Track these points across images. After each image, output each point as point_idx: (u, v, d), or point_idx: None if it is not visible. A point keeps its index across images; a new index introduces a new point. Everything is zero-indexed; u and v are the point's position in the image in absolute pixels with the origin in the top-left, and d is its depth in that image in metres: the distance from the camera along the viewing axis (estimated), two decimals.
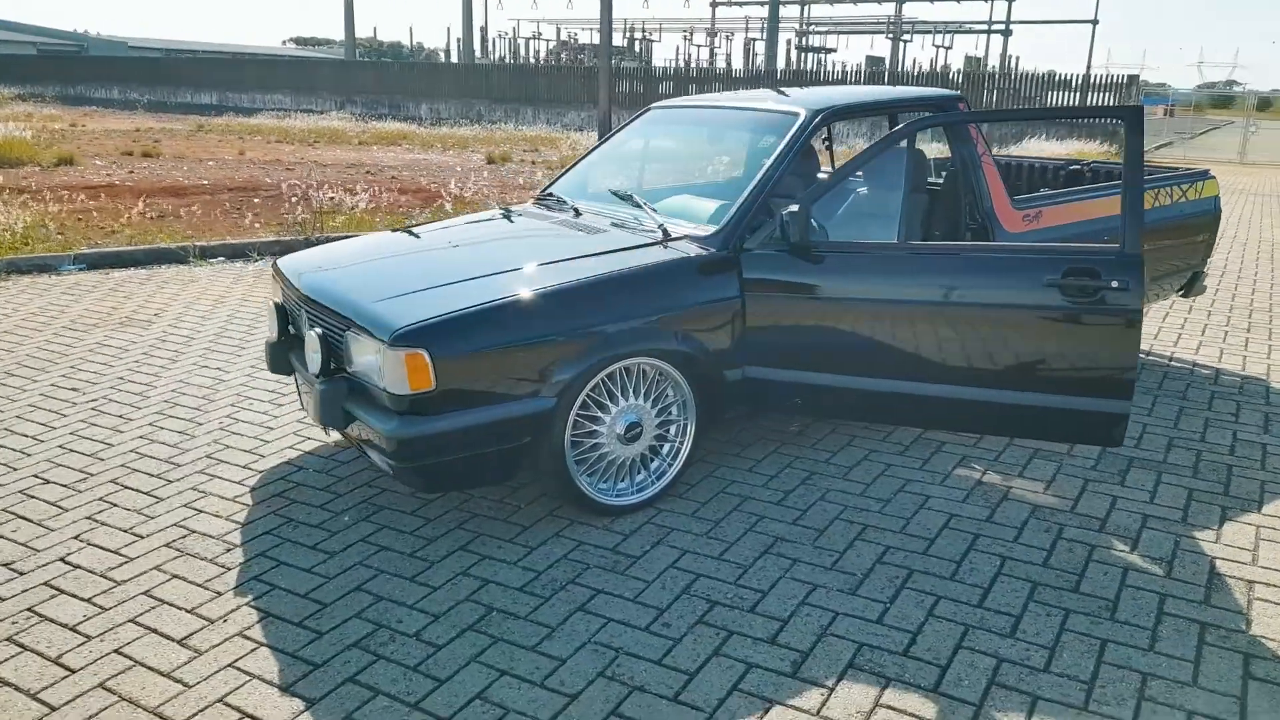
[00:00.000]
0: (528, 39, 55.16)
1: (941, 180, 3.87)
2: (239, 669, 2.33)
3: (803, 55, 44.17)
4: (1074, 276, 2.81)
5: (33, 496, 3.23)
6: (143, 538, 2.97)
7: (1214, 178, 4.76)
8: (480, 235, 3.64)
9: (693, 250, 3.14)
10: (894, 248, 3.07)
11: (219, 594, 2.66)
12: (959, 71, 24.61)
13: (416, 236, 3.72)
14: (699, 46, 52.60)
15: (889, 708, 2.19)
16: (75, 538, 2.96)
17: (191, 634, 2.47)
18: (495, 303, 2.77)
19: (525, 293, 2.82)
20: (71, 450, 3.61)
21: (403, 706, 2.20)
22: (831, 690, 2.25)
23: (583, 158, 4.30)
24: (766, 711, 2.18)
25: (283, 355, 3.31)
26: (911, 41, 44.88)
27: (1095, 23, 40.08)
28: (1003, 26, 40.51)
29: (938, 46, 53.14)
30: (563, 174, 4.28)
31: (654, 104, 4.33)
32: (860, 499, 3.24)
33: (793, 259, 3.10)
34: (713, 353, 3.10)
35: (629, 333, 2.92)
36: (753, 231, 3.19)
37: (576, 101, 27.68)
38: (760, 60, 42.54)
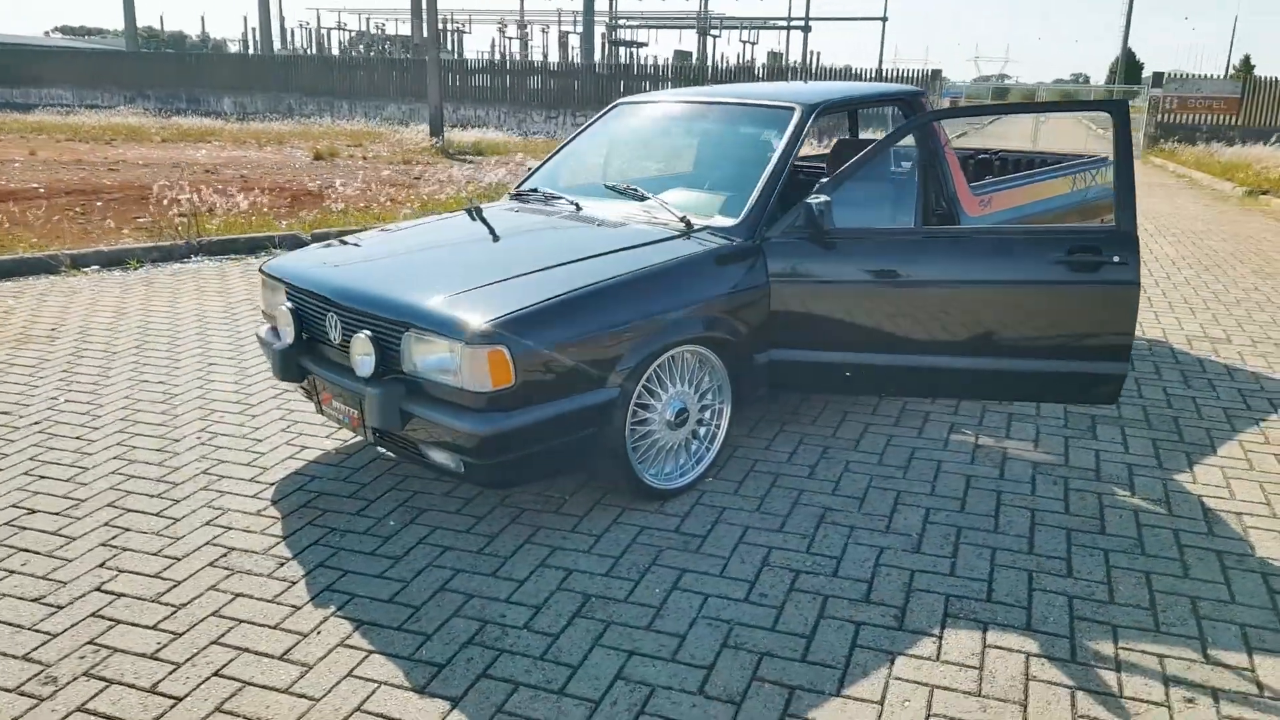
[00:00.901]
0: (329, 29, 52.96)
1: (904, 169, 4.17)
2: (360, 677, 2.30)
3: (614, 49, 44.74)
4: (1078, 253, 3.14)
5: (27, 528, 3.00)
6: (179, 559, 2.82)
7: None
8: (499, 230, 3.63)
9: (721, 241, 3.28)
10: (912, 233, 3.32)
11: (296, 608, 2.58)
12: (764, 66, 25.58)
13: (419, 233, 3.67)
14: (511, 39, 52.24)
15: (998, 647, 2.42)
16: (102, 565, 2.78)
17: (289, 649, 2.40)
18: (565, 296, 2.81)
19: (592, 285, 2.88)
20: (43, 477, 3.35)
21: (549, 694, 2.24)
22: (940, 638, 2.46)
23: (554, 154, 4.34)
24: (892, 661, 2.36)
25: (294, 362, 3.20)
26: (720, 37, 46.27)
27: (885, 20, 42.61)
28: (802, 23, 42.36)
29: (744, 42, 55.26)
30: (536, 170, 4.31)
31: (620, 101, 4.42)
32: (880, 468, 3.48)
33: (813, 246, 3.29)
34: (745, 338, 3.25)
35: (681, 321, 3.03)
36: (771, 221, 3.35)
37: (395, 95, 26.84)
38: (575, 54, 42.87)
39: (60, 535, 2.96)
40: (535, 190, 4.06)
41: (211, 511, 3.13)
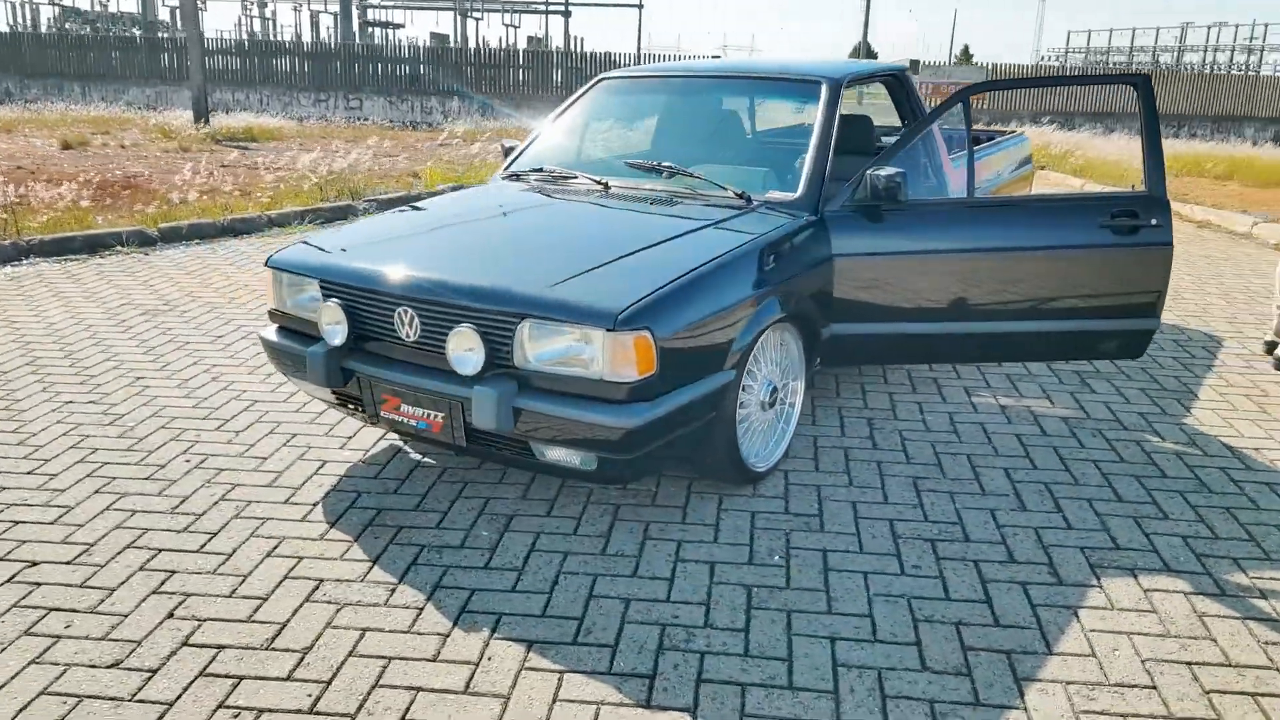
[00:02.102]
0: (39, 3, 47.31)
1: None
2: (573, 700, 2.10)
3: (369, 29, 43.17)
4: (1119, 218, 3.36)
5: (63, 609, 2.52)
6: (264, 599, 2.47)
7: (1028, 139, 5.75)
8: (542, 211, 3.41)
9: (788, 215, 3.24)
10: (968, 202, 3.42)
11: (444, 635, 2.33)
12: (526, 51, 25.49)
13: (451, 216, 3.41)
14: (253, 17, 49.03)
15: (1157, 590, 2.56)
16: (171, 615, 2.39)
17: (470, 681, 2.16)
18: (689, 277, 2.68)
19: (708, 264, 2.76)
20: (23, 541, 2.83)
21: (781, 689, 2.14)
22: (1101, 587, 2.57)
23: (540, 133, 4.13)
24: (1076, 614, 2.44)
25: (339, 365, 2.88)
26: (481, 19, 45.70)
27: (641, 6, 43.61)
28: (562, 7, 42.50)
29: (507, 25, 55.15)
30: (524, 149, 4.08)
31: (604, 76, 4.27)
32: (934, 434, 3.58)
33: (867, 219, 3.32)
34: (817, 313, 3.25)
35: (779, 298, 2.98)
36: (828, 195, 3.36)
37: (136, 77, 24.44)
38: (329, 34, 40.98)
39: (110, 610, 2.51)
40: (540, 170, 3.84)
41: (266, 541, 2.76)
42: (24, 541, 2.73)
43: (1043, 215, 3.41)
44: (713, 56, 24.90)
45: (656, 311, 2.54)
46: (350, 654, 2.25)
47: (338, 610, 2.43)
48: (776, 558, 2.69)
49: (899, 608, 2.47)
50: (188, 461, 3.28)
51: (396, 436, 3.47)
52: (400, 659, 2.24)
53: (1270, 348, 4.64)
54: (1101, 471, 3.28)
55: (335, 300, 2.87)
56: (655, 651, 2.28)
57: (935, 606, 2.47)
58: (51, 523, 2.84)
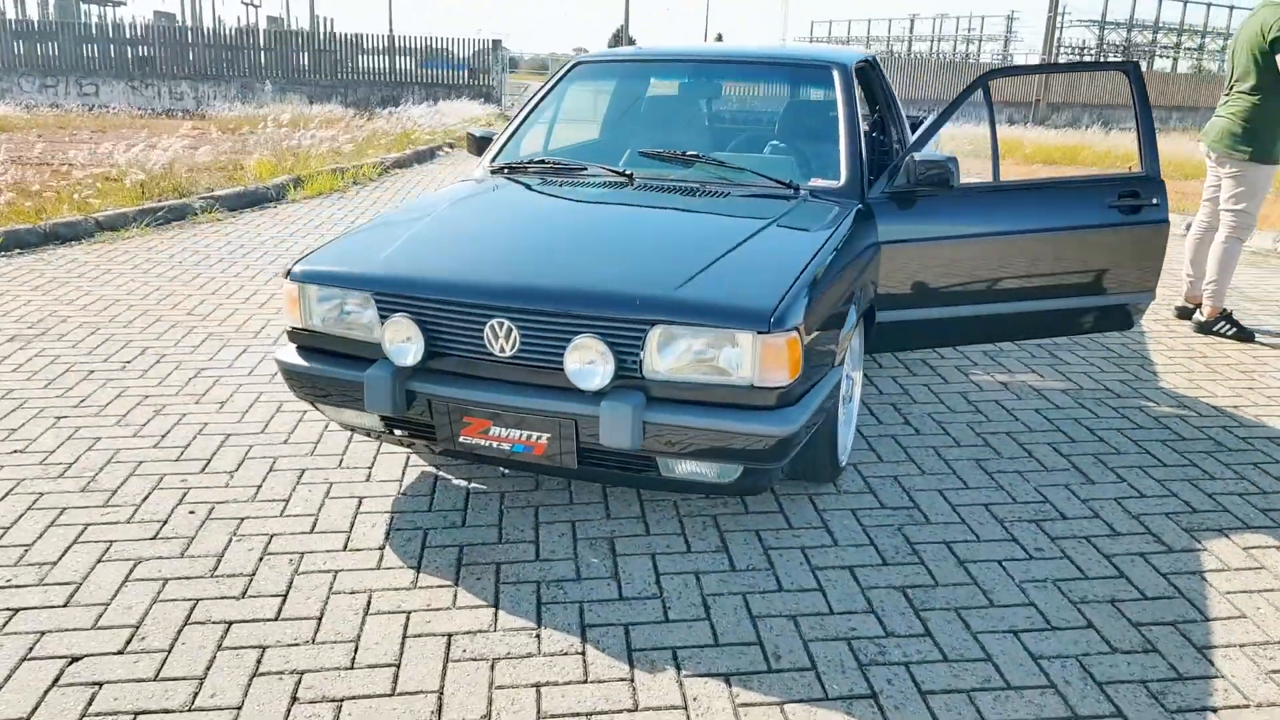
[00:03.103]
0: None
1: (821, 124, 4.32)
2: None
3: (82, 7, 39.42)
4: (1124, 198, 3.55)
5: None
6: (397, 664, 2.15)
7: None
8: (584, 206, 3.17)
9: (837, 204, 3.19)
10: (996, 186, 3.49)
11: (630, 680, 2.11)
12: (267, 31, 24.16)
13: (478, 217, 3.11)
14: None
15: (1263, 548, 2.73)
16: (295, 699, 2.04)
17: (706, 712, 1.98)
18: (809, 273, 2.55)
19: (817, 258, 2.65)
20: (37, 615, 2.34)
21: (1003, 693, 2.11)
22: (1205, 550, 2.71)
23: (520, 122, 3.85)
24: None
25: (403, 387, 2.56)
26: None
27: None
28: None
29: (246, 4, 52.21)
30: (506, 141, 3.77)
31: (580, 60, 4.03)
32: (959, 415, 3.66)
33: (899, 206, 3.33)
34: (871, 301, 3.23)
35: (859, 289, 2.94)
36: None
37: None
38: (39, 9, 37.10)
39: (217, 705, 2.10)
40: (541, 162, 3.58)
41: (353, 598, 2.40)
42: (43, 632, 2.24)
43: (1061, 196, 3.55)
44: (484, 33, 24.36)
45: (798, 310, 2.41)
46: (542, 717, 2.00)
47: (491, 666, 2.15)
48: (914, 558, 2.65)
49: (1051, 592, 2.49)
50: (192, 513, 2.82)
51: (423, 462, 3.14)
52: (601, 714, 2.01)
53: (1182, 313, 5.11)
54: (1132, 439, 3.47)
55: (404, 315, 2.53)
56: (859, 669, 2.17)
57: (1081, 587, 2.51)
58: (63, 604, 2.35)
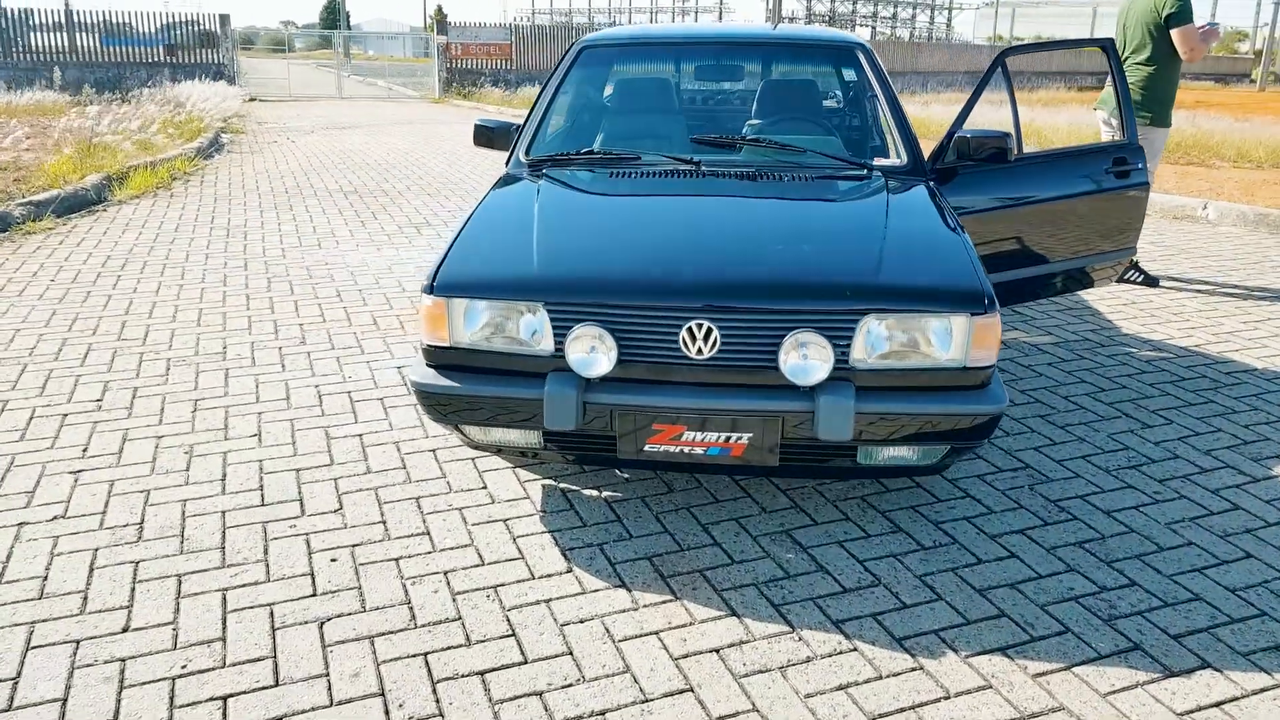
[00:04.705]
0: None
1: (850, 105, 4.45)
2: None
3: None
4: (1117, 165, 3.88)
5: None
6: (692, 689, 2.07)
7: None
8: (681, 198, 3.09)
9: (915, 180, 3.27)
10: (1024, 158, 3.70)
11: (921, 669, 2.14)
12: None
13: (608, 216, 2.95)
14: None
15: None
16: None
17: (1008, 686, 2.04)
18: (970, 253, 2.62)
19: (961, 239, 2.71)
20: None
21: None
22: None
23: (544, 116, 3.63)
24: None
25: (583, 401, 2.42)
26: None
27: None
28: None
29: None
30: (535, 134, 3.55)
31: (588, 42, 3.85)
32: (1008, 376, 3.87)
33: (943, 181, 3.48)
34: None
35: None
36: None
37: None
38: None
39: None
40: (590, 153, 3.42)
41: (587, 628, 2.26)
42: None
43: (1075, 166, 3.83)
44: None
45: (991, 289, 2.49)
46: (867, 717, 1.98)
47: (783, 675, 2.10)
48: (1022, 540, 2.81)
49: (1199, 531, 2.71)
50: (334, 560, 2.53)
51: (535, 475, 2.97)
52: (921, 706, 2.02)
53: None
54: (1148, 384, 3.83)
55: (592, 323, 2.38)
56: (1107, 624, 2.29)
57: (1218, 521, 2.76)
58: (275, 684, 2.06)
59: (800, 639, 2.23)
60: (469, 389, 2.48)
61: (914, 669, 2.13)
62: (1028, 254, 3.72)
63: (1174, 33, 4.94)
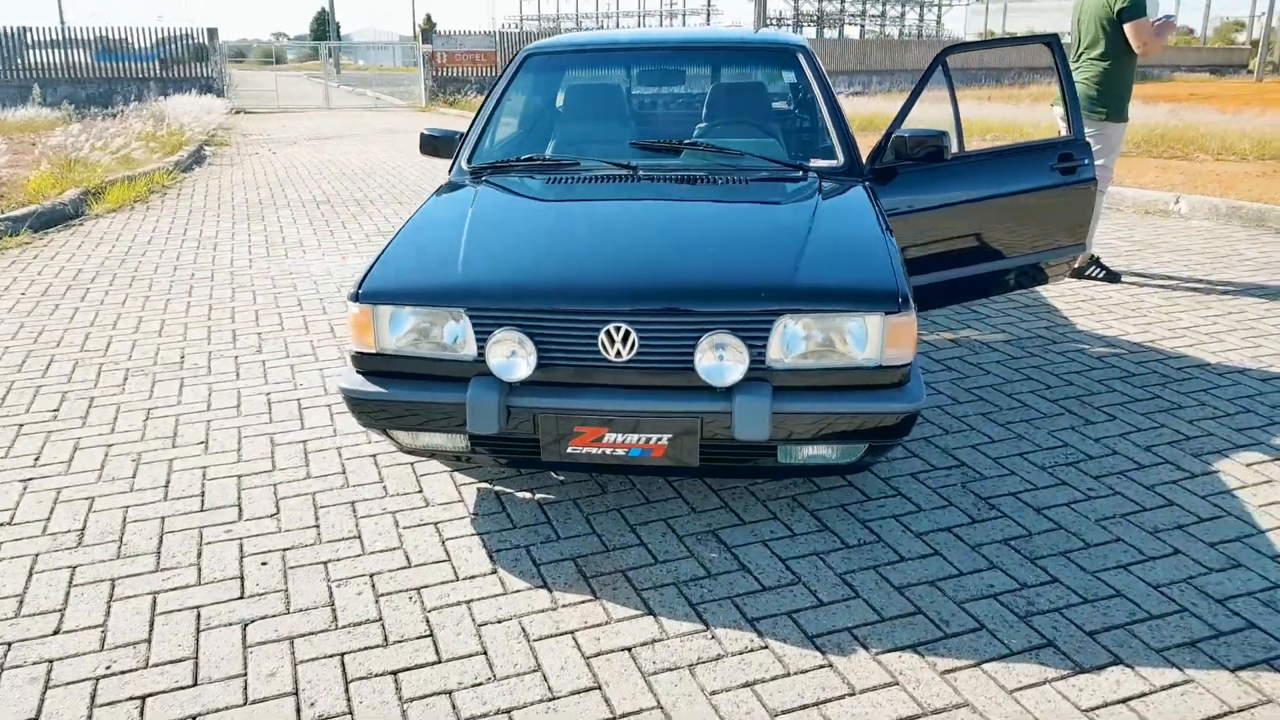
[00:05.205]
0: None
1: (792, 106, 4.50)
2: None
3: None
4: (1063, 160, 3.90)
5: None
6: (596, 690, 2.10)
7: None
8: (612, 202, 3.10)
9: (843, 183, 3.30)
10: (963, 156, 3.73)
11: (833, 657, 2.17)
12: None
13: (531, 219, 2.98)
14: None
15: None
16: None
17: (916, 684, 2.06)
18: (892, 252, 2.65)
19: (885, 238, 2.73)
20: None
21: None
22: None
23: (486, 123, 3.67)
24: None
25: (506, 404, 2.46)
26: None
27: None
28: None
29: None
30: (477, 141, 3.60)
31: (532, 49, 3.89)
32: (938, 375, 3.91)
33: (882, 181, 3.50)
34: None
35: None
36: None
37: None
38: None
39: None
40: (530, 160, 3.45)
41: (502, 627, 2.29)
42: None
43: (1017, 162, 3.86)
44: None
45: (909, 288, 2.52)
46: (772, 715, 2.01)
47: (692, 673, 2.13)
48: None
49: (1129, 527, 2.74)
50: (265, 564, 2.57)
51: (470, 478, 3.01)
52: (825, 702, 2.05)
53: None
54: (1096, 380, 3.85)
55: (512, 328, 2.42)
56: (1022, 621, 2.32)
57: (1148, 518, 2.78)
58: (191, 684, 2.09)
59: (713, 637, 2.26)
60: (395, 394, 2.52)
61: (822, 666, 2.16)
62: (971, 252, 3.75)
63: (1127, 27, 4.96)
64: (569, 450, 2.50)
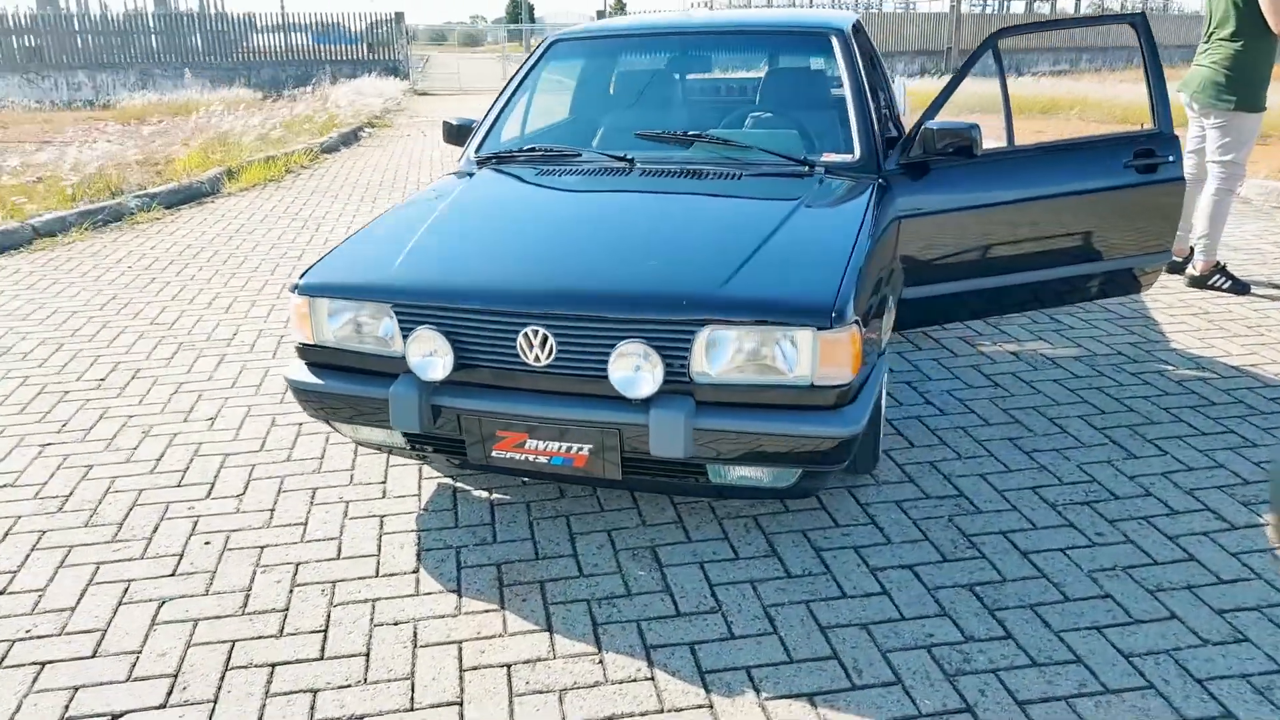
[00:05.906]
0: None
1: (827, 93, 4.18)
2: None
3: None
4: (1140, 156, 3.47)
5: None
6: (460, 703, 2.02)
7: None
8: (608, 200, 2.98)
9: (853, 179, 3.05)
10: (1010, 151, 3.39)
11: (706, 706, 2.00)
12: (155, 14, 23.10)
13: (497, 215, 2.92)
14: None
15: None
16: None
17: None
18: (855, 260, 2.41)
19: (859, 245, 2.50)
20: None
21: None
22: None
23: (500, 108, 3.64)
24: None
25: (429, 402, 2.40)
26: None
27: None
28: None
29: None
30: (490, 129, 3.57)
31: (558, 36, 3.82)
32: (979, 391, 3.58)
33: (911, 177, 3.20)
34: (900, 280, 3.12)
35: (893, 270, 2.83)
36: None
37: None
38: None
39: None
40: (531, 150, 3.39)
41: (398, 630, 2.25)
42: (77, 688, 2.06)
43: (1079, 158, 3.46)
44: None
45: (856, 302, 2.29)
46: None
47: (559, 699, 2.02)
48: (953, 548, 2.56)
49: (1124, 581, 2.41)
50: (208, 544, 2.63)
51: (438, 473, 2.98)
52: None
53: (1173, 267, 5.07)
54: (1161, 407, 3.41)
55: (429, 327, 2.36)
56: (947, 680, 2.07)
57: (1154, 574, 2.44)
58: (91, 655, 2.17)
59: (600, 662, 2.14)
60: (329, 386, 2.52)
61: (701, 706, 2.00)
62: (1021, 259, 3.39)
63: (1263, 3, 4.37)
64: (494, 454, 2.43)
